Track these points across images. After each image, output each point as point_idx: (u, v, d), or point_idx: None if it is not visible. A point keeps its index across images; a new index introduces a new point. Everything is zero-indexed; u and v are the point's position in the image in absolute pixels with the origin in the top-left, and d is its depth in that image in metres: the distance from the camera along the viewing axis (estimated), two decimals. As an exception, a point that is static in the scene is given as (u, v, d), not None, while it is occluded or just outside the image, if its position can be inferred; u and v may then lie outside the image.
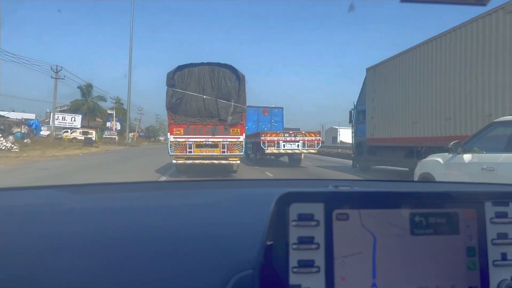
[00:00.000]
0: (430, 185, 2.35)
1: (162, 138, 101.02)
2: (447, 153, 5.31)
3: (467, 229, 0.66)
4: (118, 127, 54.75)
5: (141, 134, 74.34)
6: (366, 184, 1.83)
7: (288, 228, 0.62)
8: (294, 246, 0.61)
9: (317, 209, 0.62)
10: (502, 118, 5.17)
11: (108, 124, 54.91)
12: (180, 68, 10.90)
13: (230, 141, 10.78)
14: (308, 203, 0.63)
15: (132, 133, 65.55)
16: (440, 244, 0.65)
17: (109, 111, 57.46)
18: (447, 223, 0.65)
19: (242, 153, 11.21)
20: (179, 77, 10.81)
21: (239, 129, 10.94)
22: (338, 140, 73.27)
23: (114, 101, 57.60)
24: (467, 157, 4.87)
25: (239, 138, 10.90)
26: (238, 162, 11.32)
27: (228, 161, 11.03)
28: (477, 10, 8.39)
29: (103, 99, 55.24)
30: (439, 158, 5.53)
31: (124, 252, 0.78)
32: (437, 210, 0.66)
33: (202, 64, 10.99)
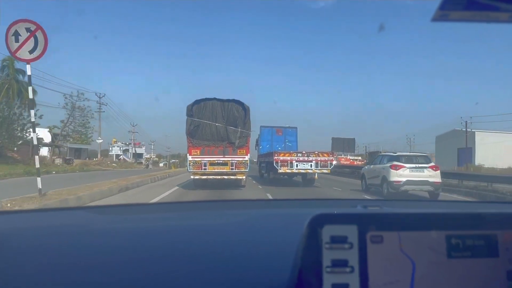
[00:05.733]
0: (464, 205, 2.32)
1: (129, 158, 47.90)
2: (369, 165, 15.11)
3: (506, 252, 0.64)
4: None
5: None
6: (394, 204, 1.76)
7: (322, 251, 0.61)
8: (328, 269, 0.60)
9: (351, 231, 0.61)
10: (382, 152, 15.77)
11: None
12: (197, 101, 13.64)
13: (237, 160, 13.32)
14: (341, 225, 0.62)
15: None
16: (478, 268, 0.63)
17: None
18: (486, 246, 0.64)
19: (247, 170, 13.71)
20: (196, 109, 13.52)
21: (244, 150, 13.53)
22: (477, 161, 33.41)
23: None
24: (372, 167, 14.10)
25: (245, 157, 13.48)
26: (245, 177, 13.84)
27: (236, 177, 13.50)
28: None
29: None
30: (366, 166, 15.59)
31: (157, 270, 0.80)
32: (475, 232, 0.64)
33: (215, 99, 13.77)
